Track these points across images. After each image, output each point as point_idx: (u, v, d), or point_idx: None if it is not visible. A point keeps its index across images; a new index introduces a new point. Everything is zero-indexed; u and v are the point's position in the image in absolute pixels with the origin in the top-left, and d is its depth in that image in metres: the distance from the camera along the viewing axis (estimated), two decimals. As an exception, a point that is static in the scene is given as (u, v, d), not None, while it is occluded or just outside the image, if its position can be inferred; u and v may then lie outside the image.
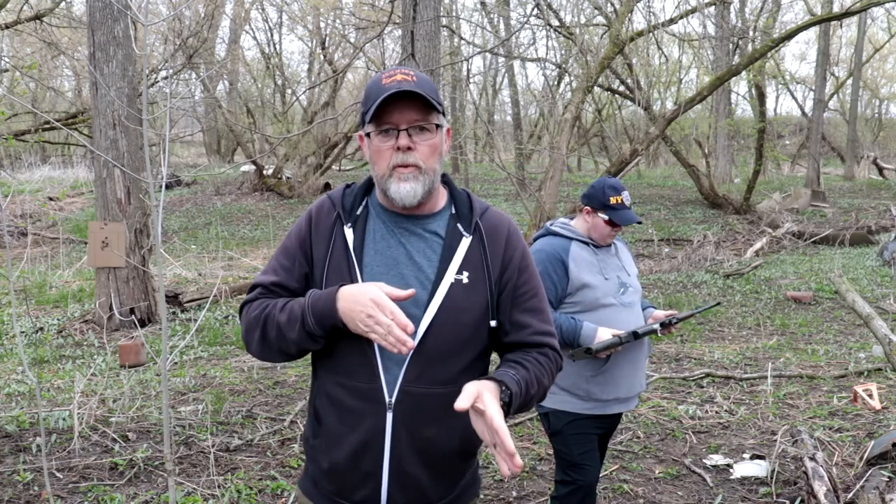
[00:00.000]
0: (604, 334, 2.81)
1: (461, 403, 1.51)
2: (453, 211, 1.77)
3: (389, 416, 1.67)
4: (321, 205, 1.79)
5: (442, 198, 1.79)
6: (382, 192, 1.72)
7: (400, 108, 1.65)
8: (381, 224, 1.75)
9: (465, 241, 1.73)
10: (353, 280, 1.69)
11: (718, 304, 3.50)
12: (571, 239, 2.94)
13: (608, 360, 2.87)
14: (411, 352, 1.64)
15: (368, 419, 1.68)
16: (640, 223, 2.98)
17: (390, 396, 1.67)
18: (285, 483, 3.95)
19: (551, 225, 3.04)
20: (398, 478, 1.70)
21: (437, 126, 1.70)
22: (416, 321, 1.66)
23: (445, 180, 1.82)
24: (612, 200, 2.91)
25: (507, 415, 1.61)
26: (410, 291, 1.61)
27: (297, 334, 1.66)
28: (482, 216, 1.77)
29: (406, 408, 1.67)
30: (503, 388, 1.61)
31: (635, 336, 2.84)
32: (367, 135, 1.71)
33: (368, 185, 1.81)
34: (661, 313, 3.04)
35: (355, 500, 1.73)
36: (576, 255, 2.90)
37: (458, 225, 1.75)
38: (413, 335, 1.65)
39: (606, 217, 2.91)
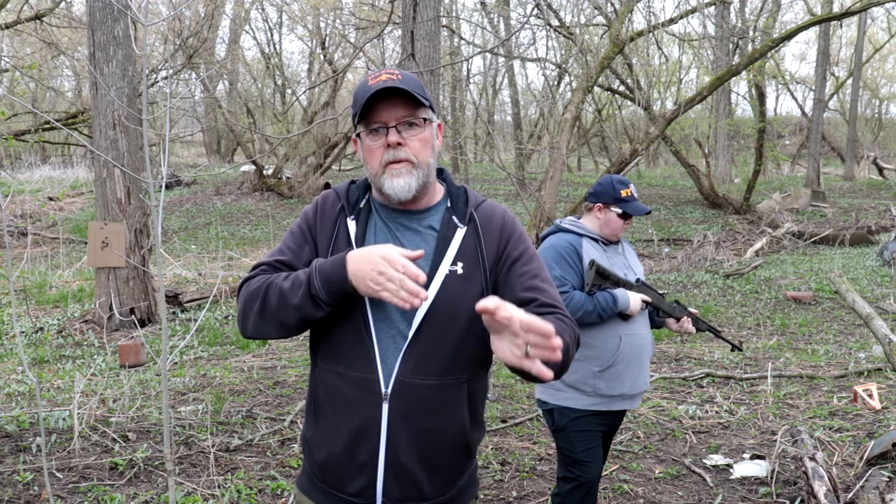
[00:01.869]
0: (634, 297, 2.90)
1: (484, 304, 1.41)
2: (449, 205, 1.79)
3: (385, 406, 1.68)
4: (326, 196, 1.82)
5: (438, 193, 1.81)
6: (378, 189, 1.75)
7: (387, 106, 1.68)
8: (380, 219, 1.78)
9: (460, 232, 1.74)
10: None
11: (739, 349, 3.58)
12: (582, 235, 2.99)
13: (619, 348, 2.89)
14: (406, 343, 1.67)
15: (364, 409, 1.69)
16: (649, 213, 3.06)
17: (386, 387, 1.68)
18: (285, 483, 3.95)
19: (561, 222, 3.08)
20: (394, 470, 1.70)
21: (426, 120, 1.73)
22: (412, 313, 1.68)
23: (443, 177, 1.84)
24: (623, 193, 2.98)
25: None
26: (420, 252, 1.60)
27: (301, 299, 1.63)
28: (477, 207, 1.79)
29: (402, 399, 1.68)
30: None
31: (647, 287, 2.97)
32: (359, 136, 1.74)
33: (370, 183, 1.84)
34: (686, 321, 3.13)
35: (351, 492, 1.73)
36: (588, 250, 2.95)
37: (454, 217, 1.76)
38: (409, 326, 1.67)
39: (620, 210, 2.97)
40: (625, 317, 2.90)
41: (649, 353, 3.04)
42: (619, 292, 2.88)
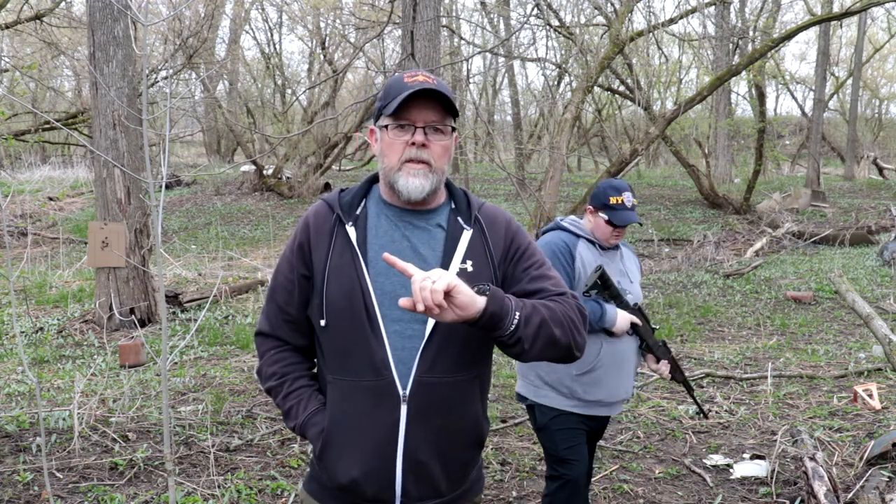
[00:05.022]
0: (623, 317, 2.86)
1: (389, 259, 1.60)
2: (453, 206, 1.83)
3: (404, 408, 1.69)
4: (317, 210, 1.82)
5: (441, 195, 1.84)
6: (389, 185, 1.76)
7: (419, 107, 1.71)
8: (383, 220, 1.78)
9: (467, 234, 1.78)
10: (359, 276, 1.71)
11: (705, 416, 3.65)
12: (579, 236, 2.97)
13: (599, 354, 2.86)
14: (423, 342, 1.69)
15: (383, 415, 1.70)
16: (640, 224, 2.99)
17: (404, 389, 1.69)
18: (285, 483, 3.95)
19: (562, 220, 3.06)
20: (412, 469, 1.71)
21: (452, 129, 1.77)
22: None
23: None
24: (612, 200, 2.92)
25: (499, 305, 1.61)
26: None
27: (290, 427, 1.84)
28: (480, 210, 1.83)
29: (420, 399, 1.69)
30: (480, 286, 1.63)
31: (641, 314, 2.92)
32: (382, 128, 1.76)
33: (367, 187, 1.85)
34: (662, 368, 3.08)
35: (368, 497, 1.74)
36: (582, 251, 2.93)
37: (459, 219, 1.80)
38: (425, 325, 1.70)
39: (606, 217, 2.93)
40: (609, 333, 2.86)
41: (633, 361, 2.99)
42: (609, 307, 2.84)
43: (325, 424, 1.75)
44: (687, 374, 6.00)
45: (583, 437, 2.95)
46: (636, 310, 2.92)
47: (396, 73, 1.82)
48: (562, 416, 2.91)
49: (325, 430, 1.76)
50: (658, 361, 3.04)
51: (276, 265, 1.88)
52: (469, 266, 1.74)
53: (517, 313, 1.62)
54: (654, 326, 2.99)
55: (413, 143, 1.71)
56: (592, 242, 2.97)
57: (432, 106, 1.72)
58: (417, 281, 1.53)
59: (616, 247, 3.04)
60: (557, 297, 1.75)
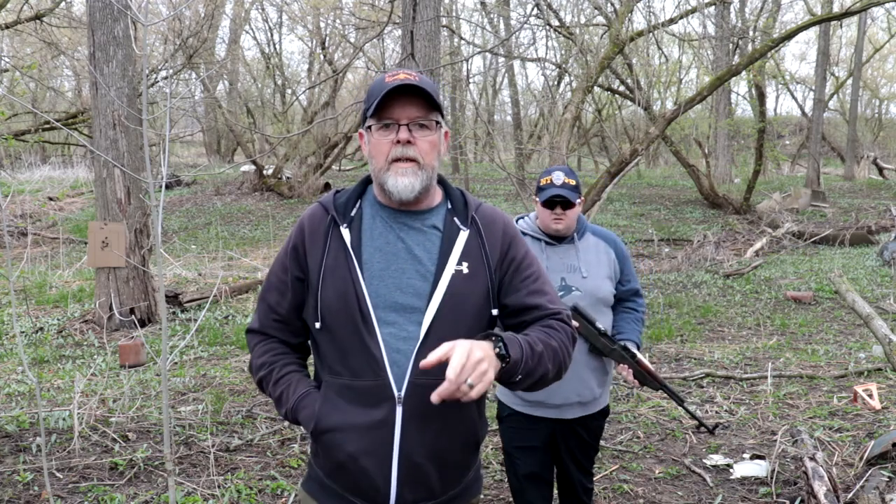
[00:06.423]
0: None
1: (426, 361, 1.54)
2: (449, 206, 1.81)
3: (399, 410, 1.69)
4: (313, 213, 1.82)
5: (437, 195, 1.83)
6: (380, 186, 1.76)
7: (401, 104, 1.70)
8: (378, 221, 1.78)
9: (463, 235, 1.77)
10: (353, 278, 1.70)
11: (710, 431, 3.24)
12: (525, 234, 2.85)
13: None
14: (418, 344, 1.69)
15: (377, 416, 1.70)
16: (564, 199, 2.73)
17: (399, 391, 1.69)
18: (285, 483, 3.95)
19: (518, 219, 2.97)
20: (407, 471, 1.71)
21: (437, 123, 1.74)
22: (420, 313, 1.70)
23: (440, 180, 1.87)
24: (542, 181, 2.81)
25: (513, 369, 1.61)
26: None
27: (281, 413, 1.84)
28: (477, 210, 1.82)
29: (415, 401, 1.69)
30: (493, 338, 1.62)
31: (580, 315, 2.72)
32: (368, 129, 1.75)
33: (362, 188, 1.85)
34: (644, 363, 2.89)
35: (364, 498, 1.74)
36: None
37: (455, 219, 1.78)
38: (419, 326, 1.70)
39: (539, 200, 2.81)
40: None
41: (582, 363, 2.79)
42: None
43: (315, 407, 1.75)
44: (686, 374, 5.99)
45: (532, 441, 2.87)
46: (572, 310, 2.69)
47: (379, 75, 1.82)
48: (514, 415, 2.91)
49: (321, 431, 1.76)
50: (618, 365, 2.89)
51: (263, 287, 1.89)
52: (465, 268, 1.74)
53: (519, 376, 1.64)
54: (599, 327, 2.76)
55: (398, 142, 1.70)
56: (539, 239, 2.85)
57: (415, 102, 1.71)
58: (457, 370, 1.51)
59: (571, 240, 2.85)
60: (553, 317, 1.76)
